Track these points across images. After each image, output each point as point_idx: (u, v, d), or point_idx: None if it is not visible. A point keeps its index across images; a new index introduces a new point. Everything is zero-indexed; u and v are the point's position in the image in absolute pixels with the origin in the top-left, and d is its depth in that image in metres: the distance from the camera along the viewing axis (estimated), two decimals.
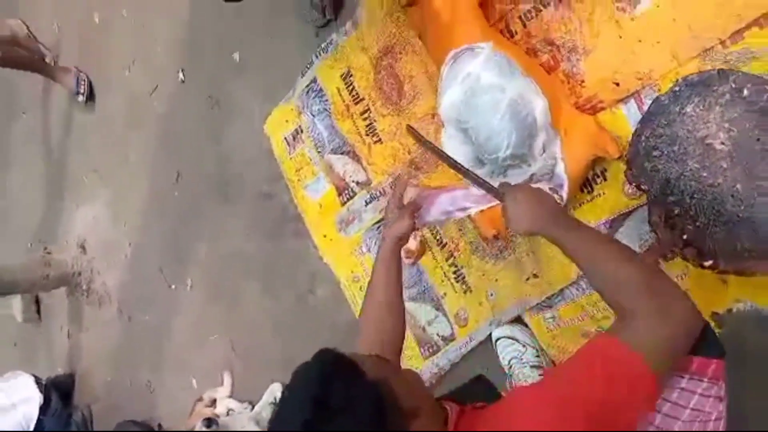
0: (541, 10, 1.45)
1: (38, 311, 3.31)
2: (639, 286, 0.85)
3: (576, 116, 1.34)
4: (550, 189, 1.28)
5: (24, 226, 3.42)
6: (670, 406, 0.93)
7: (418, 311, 1.79)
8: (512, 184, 1.19)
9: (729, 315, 1.30)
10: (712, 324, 1.30)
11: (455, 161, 1.26)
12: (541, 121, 1.26)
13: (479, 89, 1.25)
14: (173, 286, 2.52)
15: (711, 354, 0.94)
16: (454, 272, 1.71)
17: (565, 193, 1.29)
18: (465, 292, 1.69)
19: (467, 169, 1.21)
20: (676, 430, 0.89)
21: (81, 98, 2.88)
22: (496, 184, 1.19)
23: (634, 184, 1.23)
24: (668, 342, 0.80)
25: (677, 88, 1.15)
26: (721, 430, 0.91)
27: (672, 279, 0.94)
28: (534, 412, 0.74)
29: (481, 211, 1.29)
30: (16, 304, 3.25)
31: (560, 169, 1.28)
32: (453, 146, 1.35)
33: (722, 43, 1.24)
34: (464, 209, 1.28)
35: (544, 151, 1.27)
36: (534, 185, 1.26)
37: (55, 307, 3.23)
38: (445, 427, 0.81)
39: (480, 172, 1.28)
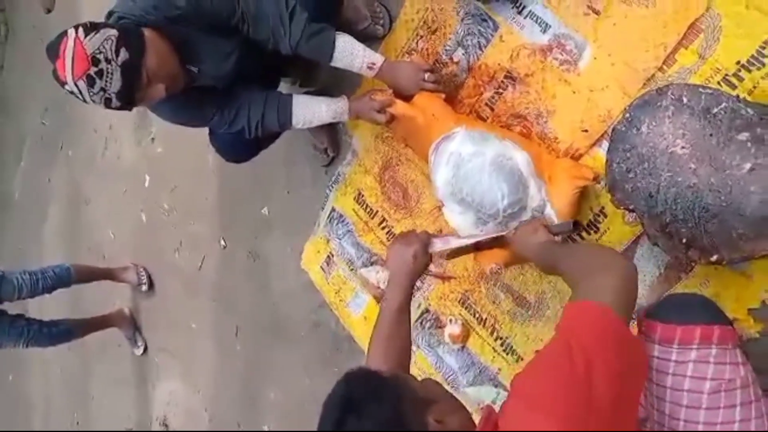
0: (501, 93, 1.65)
1: None
2: (588, 263, 1.00)
3: (554, 162, 1.50)
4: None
5: (111, 422, 3.60)
6: (689, 380, 0.95)
7: (479, 393, 1.81)
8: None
9: (765, 307, 1.31)
10: (751, 321, 1.32)
11: (463, 245, 1.46)
12: (526, 170, 1.42)
13: (462, 161, 1.43)
14: None
15: (713, 321, 0.98)
16: (501, 344, 1.76)
17: None
18: (517, 361, 1.73)
19: (477, 241, 1.42)
20: (704, 406, 0.91)
21: (144, 288, 3.20)
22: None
23: (623, 208, 1.33)
24: (620, 291, 0.89)
25: (628, 115, 1.29)
26: (753, 398, 0.92)
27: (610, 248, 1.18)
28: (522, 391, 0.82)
29: (481, 251, 1.49)
30: None
31: (548, 209, 1.41)
32: (455, 218, 1.50)
33: (660, 69, 1.40)
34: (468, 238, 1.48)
35: (539, 194, 1.41)
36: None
37: None
38: (472, 425, 0.88)
39: (485, 229, 1.46)
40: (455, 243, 1.43)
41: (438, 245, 1.41)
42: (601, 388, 0.76)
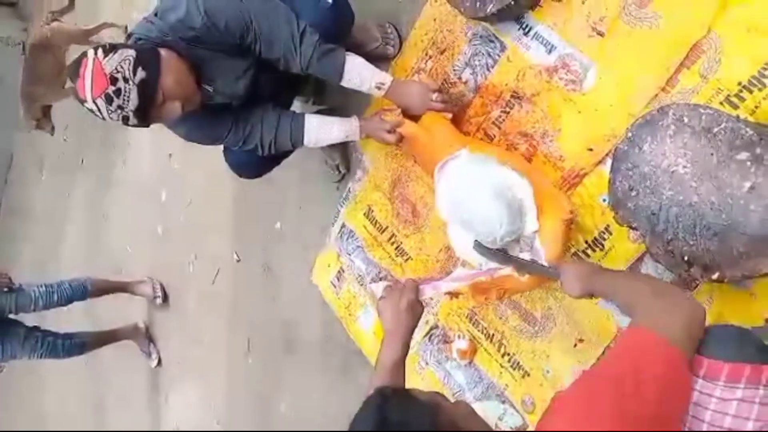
0: (508, 112, 1.68)
1: None
2: (652, 297, 1.03)
3: (545, 192, 1.52)
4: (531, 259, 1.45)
5: None
6: (731, 419, 0.92)
7: (487, 409, 1.82)
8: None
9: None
10: None
11: (514, 258, 1.47)
12: (525, 200, 1.45)
13: (463, 186, 1.47)
14: None
15: (762, 360, 0.95)
16: (508, 360, 1.77)
17: (545, 262, 1.44)
18: (523, 377, 1.74)
19: (527, 261, 1.43)
20: None
21: (158, 301, 3.26)
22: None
23: (626, 225, 1.35)
24: (684, 327, 0.93)
25: (630, 134, 1.31)
26: None
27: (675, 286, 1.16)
28: (564, 411, 0.82)
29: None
30: None
31: (537, 243, 1.46)
32: (458, 238, 1.53)
33: (663, 89, 1.42)
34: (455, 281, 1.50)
35: (533, 225, 1.44)
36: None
37: None
38: None
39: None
40: (445, 288, 1.44)
41: (428, 292, 1.41)
42: (646, 417, 0.77)
